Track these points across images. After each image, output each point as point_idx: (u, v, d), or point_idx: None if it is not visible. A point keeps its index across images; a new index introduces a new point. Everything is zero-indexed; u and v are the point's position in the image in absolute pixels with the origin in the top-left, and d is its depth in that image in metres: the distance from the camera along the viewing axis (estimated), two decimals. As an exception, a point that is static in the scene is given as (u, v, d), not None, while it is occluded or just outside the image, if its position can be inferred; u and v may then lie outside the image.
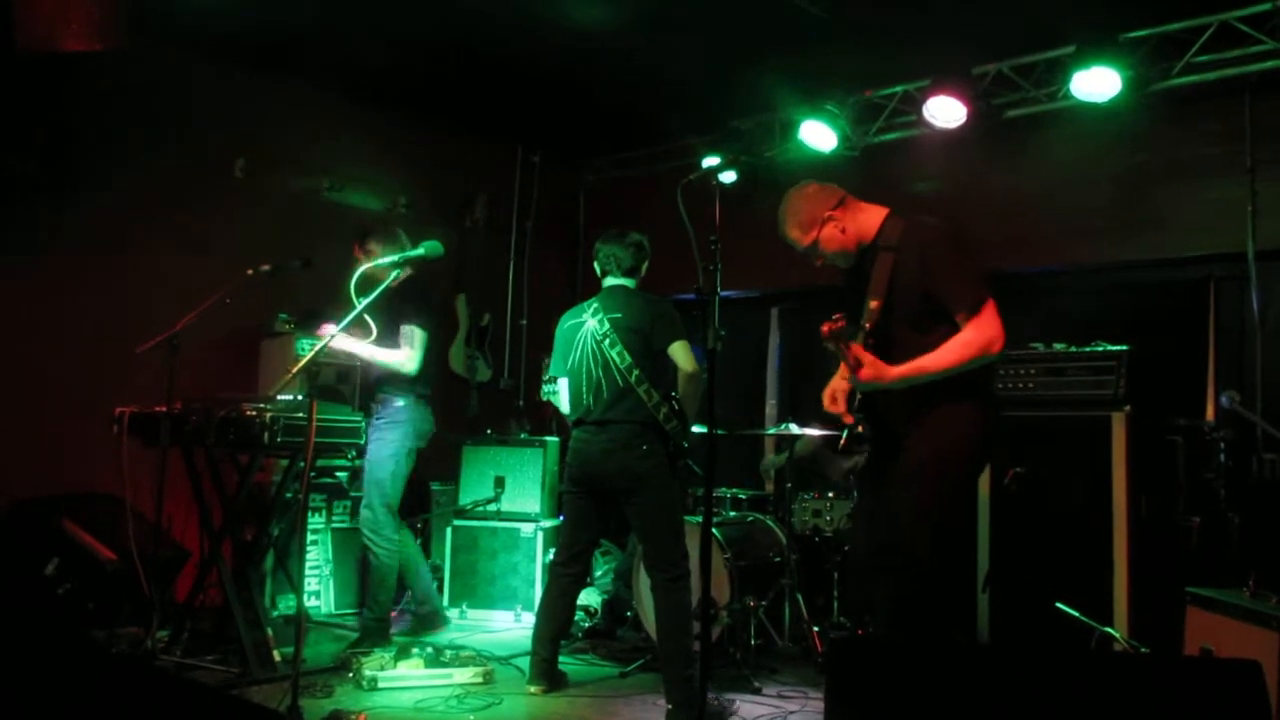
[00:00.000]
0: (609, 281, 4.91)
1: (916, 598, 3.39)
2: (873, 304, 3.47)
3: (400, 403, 5.33)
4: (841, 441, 3.55)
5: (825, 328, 3.30)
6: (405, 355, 5.25)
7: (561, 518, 5.07)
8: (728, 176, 5.90)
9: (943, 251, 3.45)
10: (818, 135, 6.78)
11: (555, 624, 4.78)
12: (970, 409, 3.43)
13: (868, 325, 3.45)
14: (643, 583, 5.75)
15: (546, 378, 5.16)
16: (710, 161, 4.47)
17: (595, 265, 4.97)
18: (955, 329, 3.39)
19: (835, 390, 3.64)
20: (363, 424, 4.97)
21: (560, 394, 4.96)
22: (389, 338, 5.17)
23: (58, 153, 5.80)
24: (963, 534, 3.66)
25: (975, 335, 3.35)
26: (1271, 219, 5.63)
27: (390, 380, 5.33)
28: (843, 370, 3.47)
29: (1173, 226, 6.00)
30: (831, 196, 3.71)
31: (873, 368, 3.35)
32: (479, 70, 6.86)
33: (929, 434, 3.41)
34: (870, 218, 3.67)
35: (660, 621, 4.53)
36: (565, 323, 4.94)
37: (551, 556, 5.07)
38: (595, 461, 4.62)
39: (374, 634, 5.27)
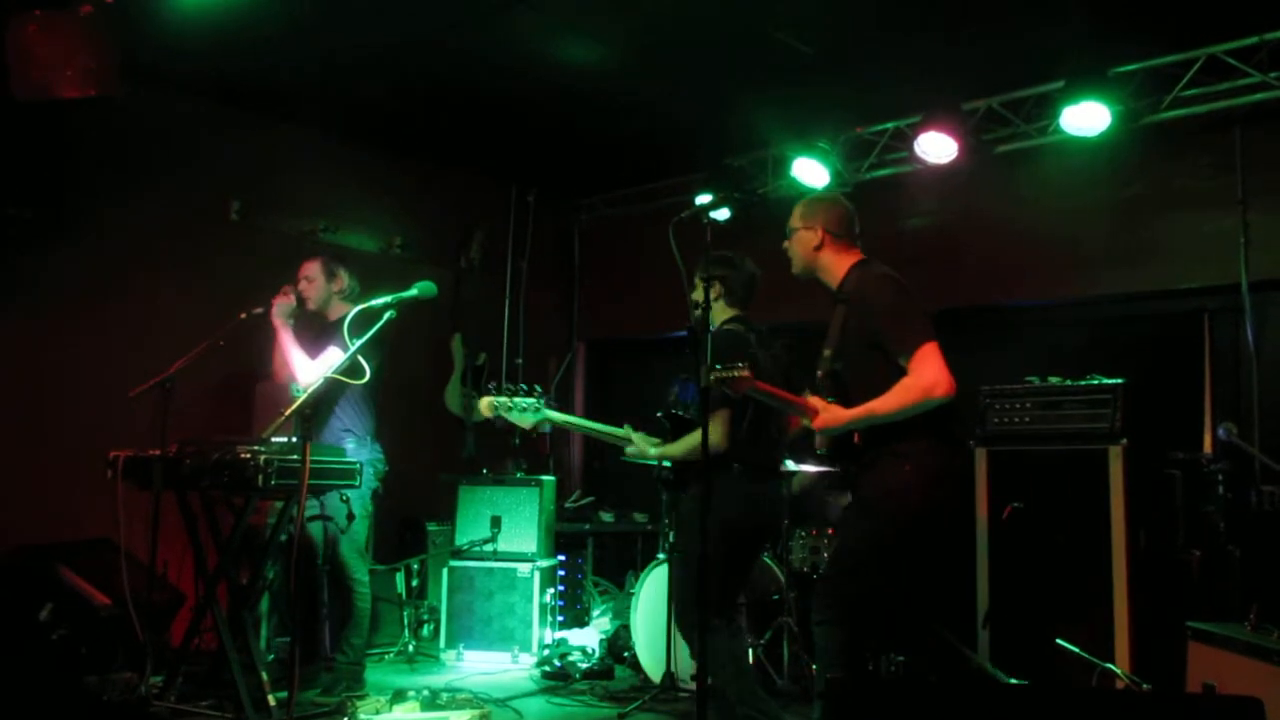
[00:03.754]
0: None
1: (850, 630, 3.51)
2: (826, 352, 3.66)
3: (352, 445, 5.27)
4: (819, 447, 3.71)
5: (737, 386, 3.49)
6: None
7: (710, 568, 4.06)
8: (721, 214, 5.93)
9: (882, 299, 3.59)
10: (810, 172, 6.82)
11: None
12: (923, 451, 3.50)
13: (819, 374, 3.62)
14: (641, 623, 5.72)
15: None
16: (703, 199, 4.49)
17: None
18: (900, 374, 3.49)
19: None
20: (357, 466, 4.94)
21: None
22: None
23: (53, 197, 5.82)
24: (920, 571, 3.68)
25: (914, 380, 3.46)
26: (1264, 250, 5.65)
27: (340, 421, 5.28)
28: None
29: (1166, 259, 6.02)
30: (837, 223, 3.84)
31: (827, 412, 3.52)
32: (473, 111, 6.90)
33: (879, 475, 3.54)
34: (840, 264, 3.81)
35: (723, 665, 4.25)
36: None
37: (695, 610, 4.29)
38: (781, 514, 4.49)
39: (348, 678, 5.20)
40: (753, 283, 4.45)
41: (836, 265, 3.79)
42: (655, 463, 4.78)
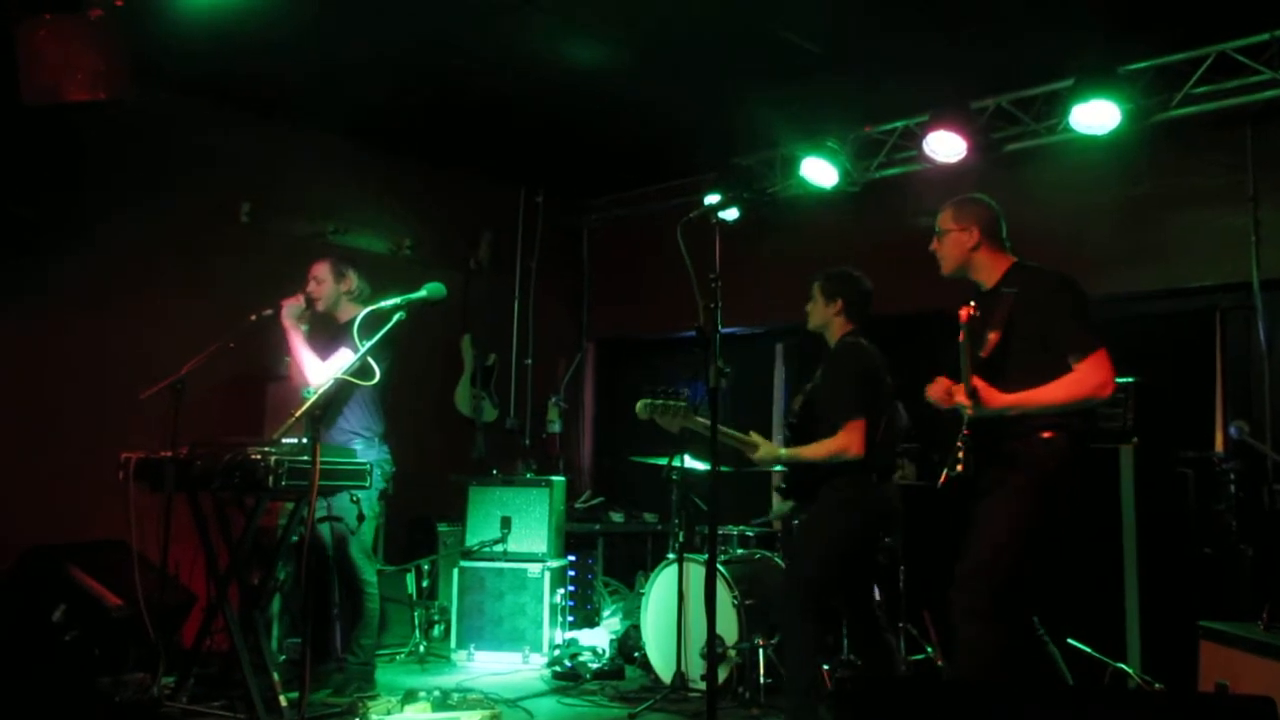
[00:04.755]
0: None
1: (994, 621, 3.53)
2: (991, 336, 3.66)
3: (360, 445, 5.29)
4: (941, 479, 3.63)
5: (964, 312, 3.55)
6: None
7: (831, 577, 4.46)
8: (730, 214, 5.91)
9: (1061, 295, 3.68)
10: (819, 171, 6.82)
11: None
12: (1070, 442, 3.57)
13: (983, 354, 3.64)
14: (651, 623, 5.73)
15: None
16: (711, 199, 4.49)
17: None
18: (1064, 369, 3.55)
19: (944, 392, 3.71)
20: (367, 467, 4.95)
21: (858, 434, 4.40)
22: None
23: (65, 200, 5.85)
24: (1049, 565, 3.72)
25: (1088, 376, 3.52)
26: (1275, 248, 5.62)
27: (348, 422, 5.30)
28: (958, 396, 3.59)
29: (1177, 257, 6.00)
30: (991, 225, 3.94)
31: (985, 391, 3.53)
32: (482, 113, 6.91)
33: (1028, 463, 3.56)
34: (997, 263, 3.90)
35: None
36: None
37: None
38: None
39: (359, 679, 5.22)
40: (869, 299, 4.60)
41: (994, 264, 3.89)
42: (779, 468, 4.95)
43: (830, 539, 4.31)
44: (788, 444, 4.58)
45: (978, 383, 3.54)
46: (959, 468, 3.59)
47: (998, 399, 3.55)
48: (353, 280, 5.50)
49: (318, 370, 5.19)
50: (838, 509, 4.30)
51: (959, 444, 3.59)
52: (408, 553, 6.87)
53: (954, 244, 3.95)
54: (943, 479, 3.63)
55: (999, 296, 3.78)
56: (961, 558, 3.64)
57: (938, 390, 3.73)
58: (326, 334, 5.46)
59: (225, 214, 6.60)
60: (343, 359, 5.00)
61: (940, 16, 5.40)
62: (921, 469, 5.99)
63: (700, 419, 4.53)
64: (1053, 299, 3.68)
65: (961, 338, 3.58)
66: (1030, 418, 3.56)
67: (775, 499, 7.03)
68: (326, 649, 5.46)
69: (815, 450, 4.37)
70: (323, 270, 5.47)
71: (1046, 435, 3.55)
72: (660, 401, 4.56)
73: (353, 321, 4.92)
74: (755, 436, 4.51)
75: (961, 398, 3.57)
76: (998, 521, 3.58)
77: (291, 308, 5.31)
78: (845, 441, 4.25)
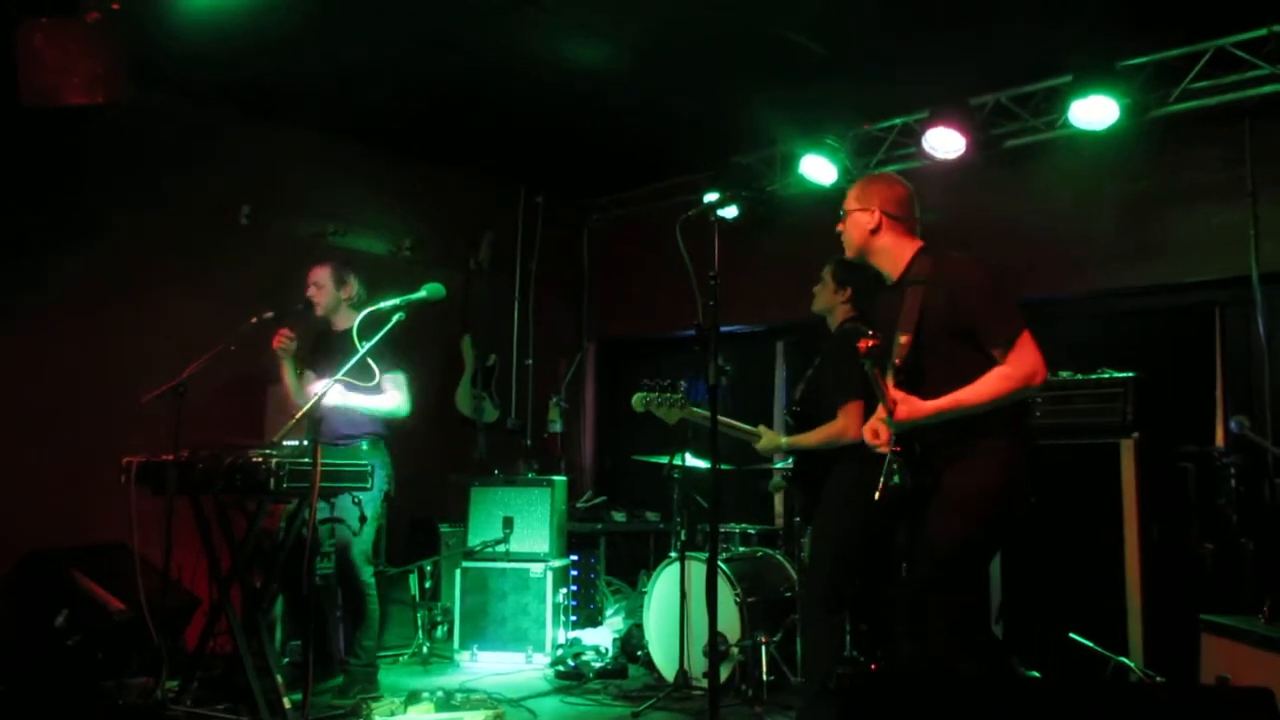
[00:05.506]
0: None
1: (956, 628, 3.36)
2: (902, 339, 3.42)
3: (366, 445, 5.30)
4: (878, 493, 3.37)
5: (862, 345, 3.28)
6: (396, 401, 5.29)
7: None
8: (729, 212, 5.93)
9: (974, 285, 3.42)
10: (818, 169, 6.82)
11: None
12: (1007, 446, 3.35)
13: (898, 361, 3.40)
14: (654, 622, 5.73)
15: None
16: (710, 197, 4.51)
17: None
18: (988, 362, 3.34)
19: (876, 425, 3.48)
20: (369, 468, 4.95)
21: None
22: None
23: (64, 202, 5.86)
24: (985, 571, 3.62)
25: (1015, 368, 3.29)
26: (1275, 242, 5.63)
27: (356, 425, 5.31)
28: (881, 410, 3.40)
29: (1176, 252, 6.00)
30: (897, 205, 3.66)
31: (907, 404, 3.32)
32: (481, 113, 6.92)
33: (965, 473, 3.34)
34: (902, 248, 3.64)
35: None
36: None
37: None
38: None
39: (363, 680, 5.22)
40: (875, 296, 4.54)
41: (897, 249, 3.63)
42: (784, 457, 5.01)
43: (843, 525, 4.30)
44: (790, 433, 4.60)
45: (896, 394, 3.33)
46: (895, 478, 3.35)
47: (920, 408, 3.32)
48: (353, 286, 5.49)
49: (375, 401, 5.23)
50: (841, 497, 4.29)
51: (890, 459, 3.35)
52: (410, 554, 6.87)
53: (854, 225, 3.70)
54: (879, 493, 3.36)
55: (904, 291, 3.52)
56: (901, 578, 3.50)
57: (868, 433, 3.49)
58: (324, 350, 5.47)
59: (225, 216, 6.60)
60: (317, 388, 5.01)
61: (939, 13, 5.40)
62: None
63: (697, 409, 4.54)
64: (965, 288, 3.41)
65: (867, 368, 3.33)
66: (963, 422, 3.32)
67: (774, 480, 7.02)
68: (330, 652, 5.46)
69: (815, 436, 4.38)
70: (323, 275, 5.47)
71: (982, 438, 3.32)
72: (656, 394, 4.57)
73: (351, 327, 4.94)
74: (761, 427, 4.51)
75: (883, 417, 3.36)
76: (941, 538, 3.34)
77: (285, 348, 5.34)
78: (843, 424, 4.26)
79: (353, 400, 5.14)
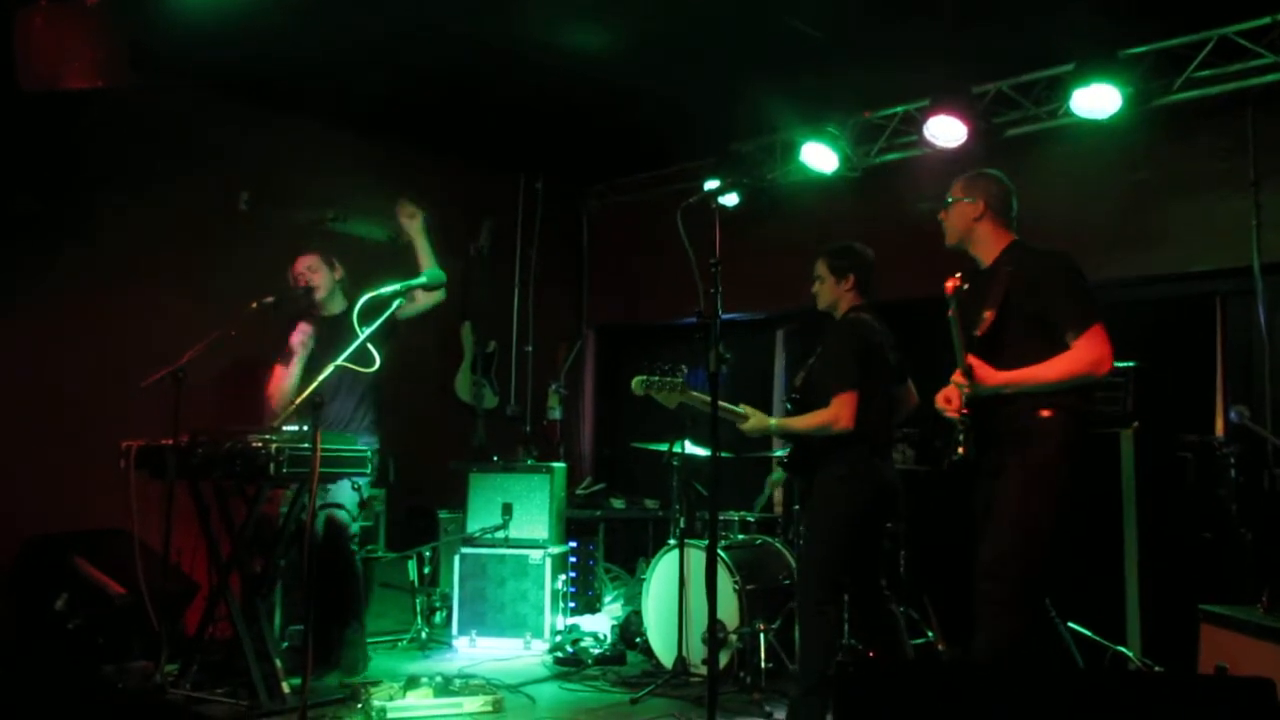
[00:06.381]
0: None
1: (1025, 608, 3.53)
2: (987, 314, 3.65)
3: (365, 434, 5.31)
4: (946, 464, 3.63)
5: (949, 284, 3.58)
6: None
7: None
8: (729, 199, 5.92)
9: (1059, 273, 3.66)
10: (819, 157, 6.80)
11: None
12: (1073, 424, 3.55)
13: (978, 333, 3.63)
14: (652, 608, 5.74)
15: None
16: (710, 185, 4.49)
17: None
18: (1060, 347, 3.54)
19: (949, 391, 3.70)
20: (368, 454, 4.96)
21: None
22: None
23: (63, 190, 5.84)
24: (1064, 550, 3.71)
25: (1085, 352, 3.51)
26: (1276, 232, 5.61)
27: (356, 410, 5.32)
28: (956, 375, 3.61)
29: (1177, 242, 5.99)
30: (999, 200, 3.90)
31: (980, 369, 3.54)
32: (480, 99, 6.90)
33: (1035, 449, 3.53)
34: (997, 239, 3.87)
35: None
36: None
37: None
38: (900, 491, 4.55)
39: (362, 656, 5.28)
40: (874, 268, 4.59)
41: (993, 240, 3.87)
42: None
43: (834, 517, 4.29)
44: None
45: (973, 360, 3.55)
46: (960, 450, 3.58)
47: (993, 376, 3.55)
48: (340, 269, 5.55)
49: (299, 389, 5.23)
50: (837, 486, 4.28)
51: (959, 425, 3.59)
52: (409, 540, 6.88)
53: (959, 214, 3.94)
54: (946, 464, 3.62)
55: (996, 274, 3.77)
56: (981, 545, 3.60)
57: (940, 400, 3.74)
58: (324, 334, 5.48)
59: (224, 203, 6.59)
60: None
61: (941, 0, 5.38)
62: (921, 454, 5.99)
63: (696, 393, 4.54)
64: (1050, 276, 3.66)
65: (951, 312, 3.59)
66: (1028, 396, 3.54)
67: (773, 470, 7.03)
68: (330, 634, 5.48)
69: (805, 421, 4.36)
70: (314, 261, 5.50)
71: (1045, 414, 3.52)
72: (656, 378, 4.57)
73: (350, 310, 4.94)
74: (746, 408, 4.50)
75: (958, 376, 3.57)
76: (1016, 507, 3.53)
77: (302, 345, 5.41)
78: (835, 413, 4.21)
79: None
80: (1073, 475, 3.56)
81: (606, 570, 7.26)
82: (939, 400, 3.74)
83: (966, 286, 3.63)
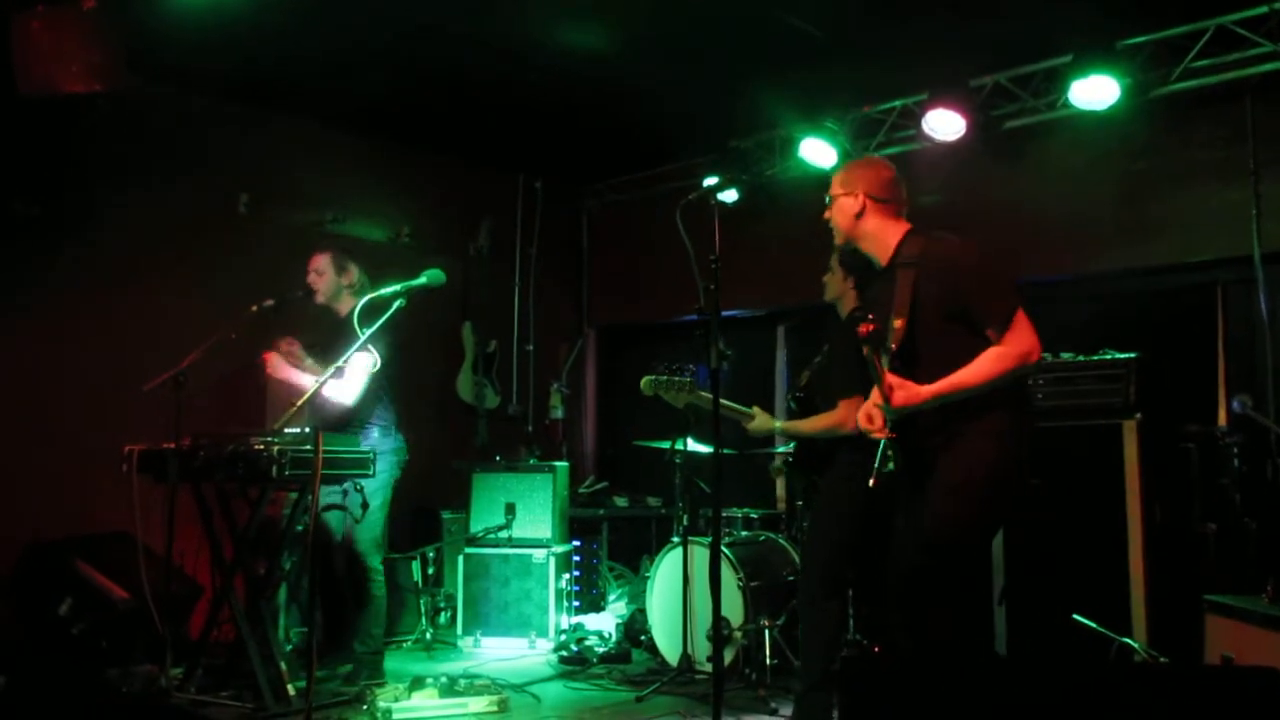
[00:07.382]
0: None
1: (948, 615, 3.32)
2: (896, 323, 3.35)
3: (376, 433, 5.29)
4: (873, 480, 3.33)
5: (863, 329, 3.24)
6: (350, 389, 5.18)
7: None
8: (729, 196, 5.91)
9: (966, 265, 3.38)
10: (818, 152, 6.80)
11: None
12: (1004, 427, 3.30)
13: (893, 346, 3.34)
14: (656, 606, 5.74)
15: None
16: (710, 181, 4.48)
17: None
18: (982, 343, 3.30)
19: (871, 411, 3.38)
20: (370, 455, 4.95)
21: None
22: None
23: (62, 193, 5.84)
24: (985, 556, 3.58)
25: (1011, 347, 3.25)
26: (1276, 221, 5.61)
27: (365, 411, 5.30)
28: (875, 395, 3.35)
29: (1177, 232, 5.98)
30: (881, 188, 3.58)
31: (904, 390, 3.26)
32: (478, 99, 6.89)
33: (961, 455, 3.29)
34: (888, 231, 3.56)
35: None
36: None
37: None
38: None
39: (369, 666, 5.23)
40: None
41: (884, 233, 3.56)
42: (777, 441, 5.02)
43: (839, 514, 4.29)
44: (792, 419, 4.59)
45: (892, 380, 3.27)
46: (889, 465, 3.28)
47: (918, 394, 3.26)
48: (354, 273, 5.46)
49: (339, 389, 5.13)
50: (842, 485, 4.28)
51: (885, 446, 3.29)
52: (413, 540, 6.88)
53: (839, 211, 3.62)
54: (873, 480, 3.30)
55: (895, 275, 3.45)
56: (895, 565, 3.42)
57: (862, 419, 3.40)
58: (325, 332, 5.46)
59: (224, 205, 6.59)
60: (364, 362, 4.98)
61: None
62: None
63: (705, 393, 4.53)
64: (956, 267, 3.37)
65: (866, 352, 3.29)
66: (961, 405, 3.27)
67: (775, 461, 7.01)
68: (337, 639, 5.47)
69: (812, 424, 4.37)
70: (323, 262, 5.45)
71: (982, 424, 3.27)
72: (665, 377, 4.57)
73: (353, 312, 4.93)
74: (755, 409, 4.50)
75: (877, 398, 3.30)
76: (936, 525, 3.28)
77: (290, 358, 5.36)
78: (844, 414, 4.22)
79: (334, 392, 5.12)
80: (1008, 479, 3.31)
81: (610, 569, 7.26)
82: (861, 420, 3.40)
83: (879, 328, 3.29)
